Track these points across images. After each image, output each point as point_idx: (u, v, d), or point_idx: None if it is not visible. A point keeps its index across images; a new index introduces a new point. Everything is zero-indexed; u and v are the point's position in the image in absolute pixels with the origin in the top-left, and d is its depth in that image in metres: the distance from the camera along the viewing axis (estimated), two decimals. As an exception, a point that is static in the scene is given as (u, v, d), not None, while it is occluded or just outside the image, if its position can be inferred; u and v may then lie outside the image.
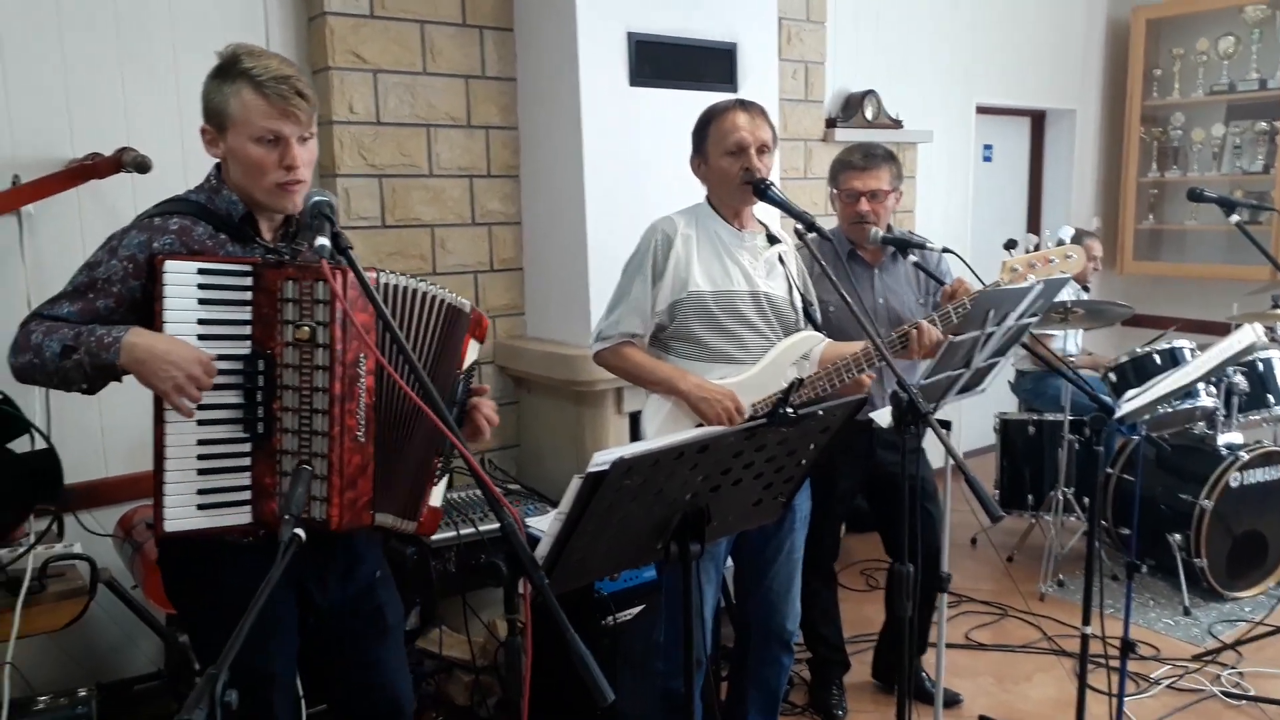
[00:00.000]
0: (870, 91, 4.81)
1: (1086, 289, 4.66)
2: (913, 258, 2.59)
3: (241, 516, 1.70)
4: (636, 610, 2.83)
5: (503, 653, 2.99)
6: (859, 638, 3.61)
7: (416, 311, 1.86)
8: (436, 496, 1.96)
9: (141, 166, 2.74)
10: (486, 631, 3.11)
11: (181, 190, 1.83)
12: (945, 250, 2.69)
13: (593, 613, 2.78)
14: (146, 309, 1.67)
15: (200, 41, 2.92)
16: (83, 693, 2.54)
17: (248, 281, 1.67)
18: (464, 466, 1.42)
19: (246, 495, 1.70)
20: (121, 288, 1.69)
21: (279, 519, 1.65)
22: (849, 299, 1.91)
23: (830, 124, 4.64)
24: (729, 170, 2.33)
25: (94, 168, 2.73)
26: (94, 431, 2.96)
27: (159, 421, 1.65)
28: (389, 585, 2.03)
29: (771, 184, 2.26)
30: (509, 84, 3.57)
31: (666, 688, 2.53)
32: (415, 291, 1.85)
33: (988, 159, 6.00)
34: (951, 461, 1.69)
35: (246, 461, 1.69)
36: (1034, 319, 2.15)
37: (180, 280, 1.64)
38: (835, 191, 2.96)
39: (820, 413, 1.47)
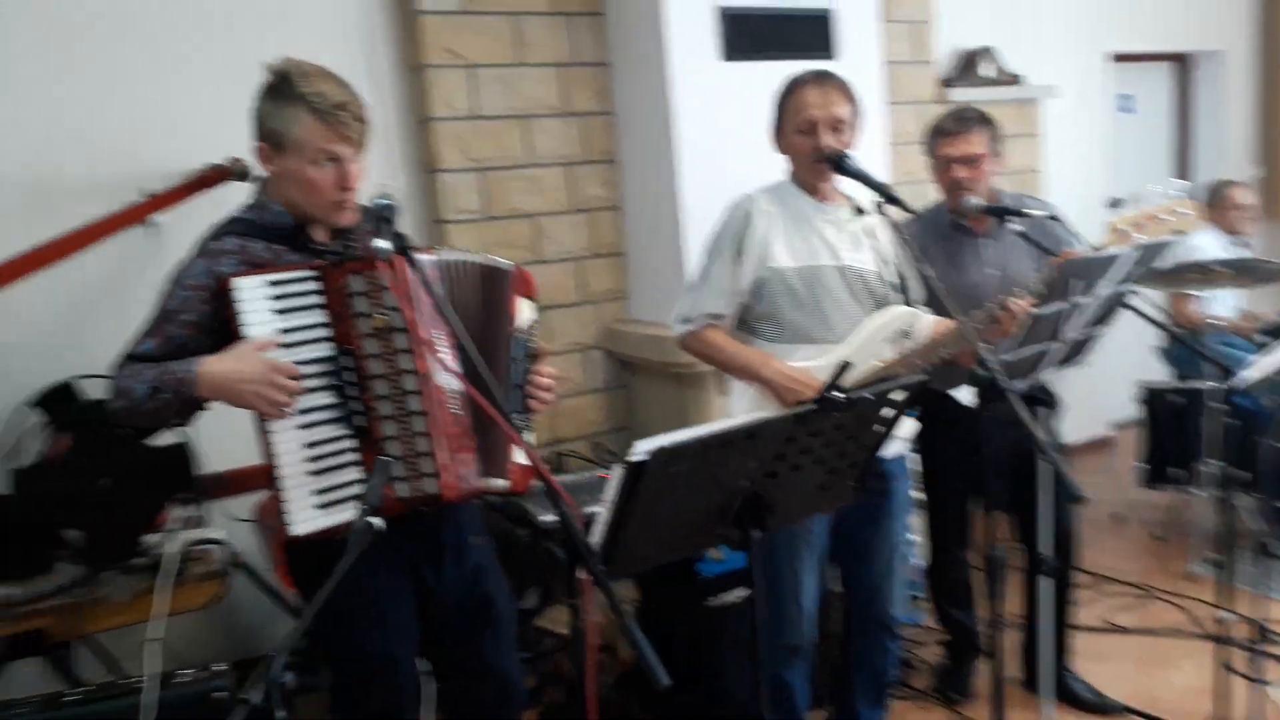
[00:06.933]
0: (987, 47, 4.57)
1: (1247, 244, 4.29)
2: (1014, 225, 2.44)
3: None
4: (740, 593, 2.80)
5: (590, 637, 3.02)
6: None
7: (457, 280, 1.88)
8: (519, 454, 1.97)
9: (242, 175, 2.87)
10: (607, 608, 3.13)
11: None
12: (1051, 218, 2.52)
13: (695, 595, 2.78)
14: (223, 331, 1.73)
15: (314, 50, 3.02)
16: (221, 667, 2.72)
17: (314, 285, 1.73)
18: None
19: (362, 490, 1.74)
20: (195, 316, 1.76)
21: (398, 502, 1.74)
22: (927, 275, 1.83)
23: (946, 84, 4.44)
24: (800, 148, 2.29)
25: (208, 177, 2.89)
26: (234, 421, 3.13)
27: (263, 431, 1.73)
28: (496, 574, 2.08)
29: (846, 155, 2.18)
30: (603, 69, 3.57)
31: (774, 674, 2.50)
32: (452, 263, 1.88)
33: (1128, 110, 5.60)
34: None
35: (356, 456, 1.75)
36: (1134, 285, 1.99)
37: (252, 296, 1.70)
38: (932, 161, 2.84)
39: (871, 396, 1.41)
